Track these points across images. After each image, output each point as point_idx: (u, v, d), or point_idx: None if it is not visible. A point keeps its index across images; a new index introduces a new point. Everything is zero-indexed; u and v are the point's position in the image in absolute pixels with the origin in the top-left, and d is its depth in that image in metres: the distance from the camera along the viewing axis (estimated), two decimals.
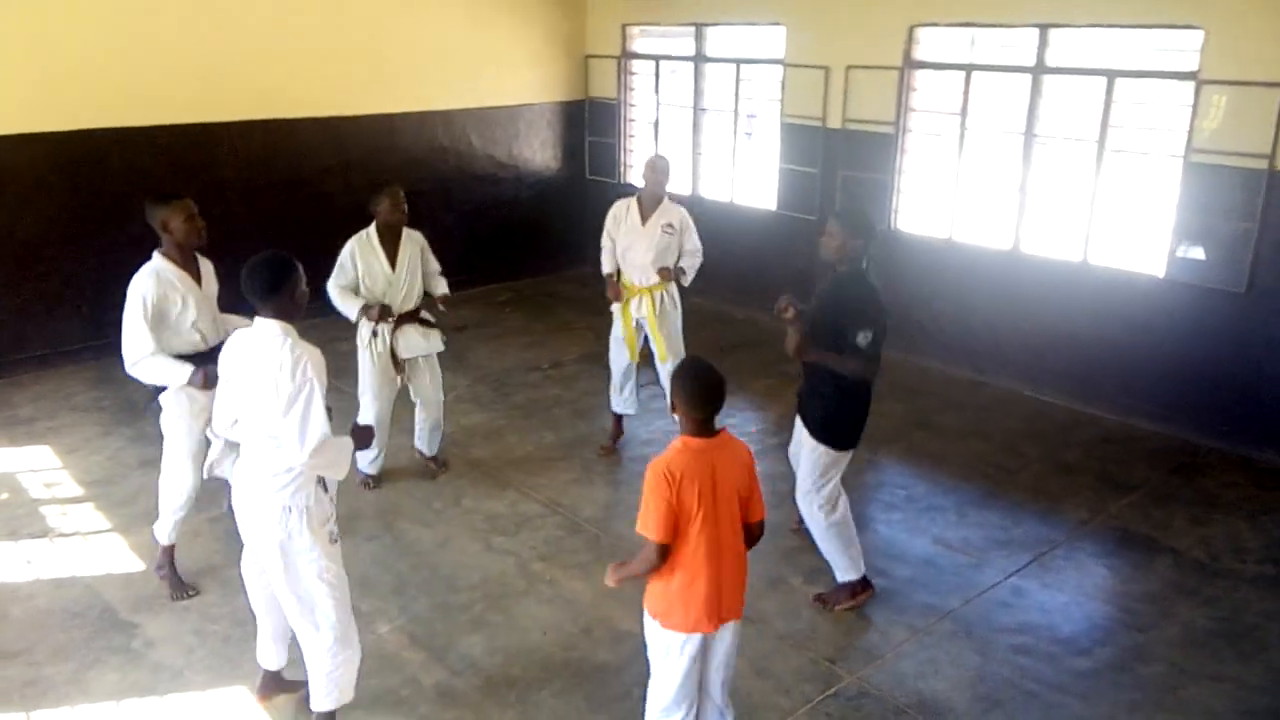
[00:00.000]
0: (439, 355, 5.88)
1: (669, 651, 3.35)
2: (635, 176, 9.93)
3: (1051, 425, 6.81)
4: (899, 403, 6.95)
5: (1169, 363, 6.59)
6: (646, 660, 3.53)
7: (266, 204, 8.35)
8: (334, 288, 5.46)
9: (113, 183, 7.55)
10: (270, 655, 3.94)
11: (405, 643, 4.44)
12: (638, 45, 9.90)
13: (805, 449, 4.63)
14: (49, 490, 5.75)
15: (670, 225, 5.88)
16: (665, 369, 6.00)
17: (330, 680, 3.67)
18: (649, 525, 3.17)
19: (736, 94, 8.94)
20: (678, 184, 9.00)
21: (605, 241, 6.10)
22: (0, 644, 4.38)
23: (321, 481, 3.52)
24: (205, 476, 4.20)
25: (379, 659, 4.31)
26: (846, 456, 4.64)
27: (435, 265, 5.78)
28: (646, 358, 6.31)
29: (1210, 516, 5.60)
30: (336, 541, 3.60)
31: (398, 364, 5.63)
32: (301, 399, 3.28)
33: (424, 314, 5.71)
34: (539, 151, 10.20)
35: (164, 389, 4.47)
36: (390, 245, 5.52)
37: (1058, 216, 7.13)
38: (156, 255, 4.43)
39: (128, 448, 6.22)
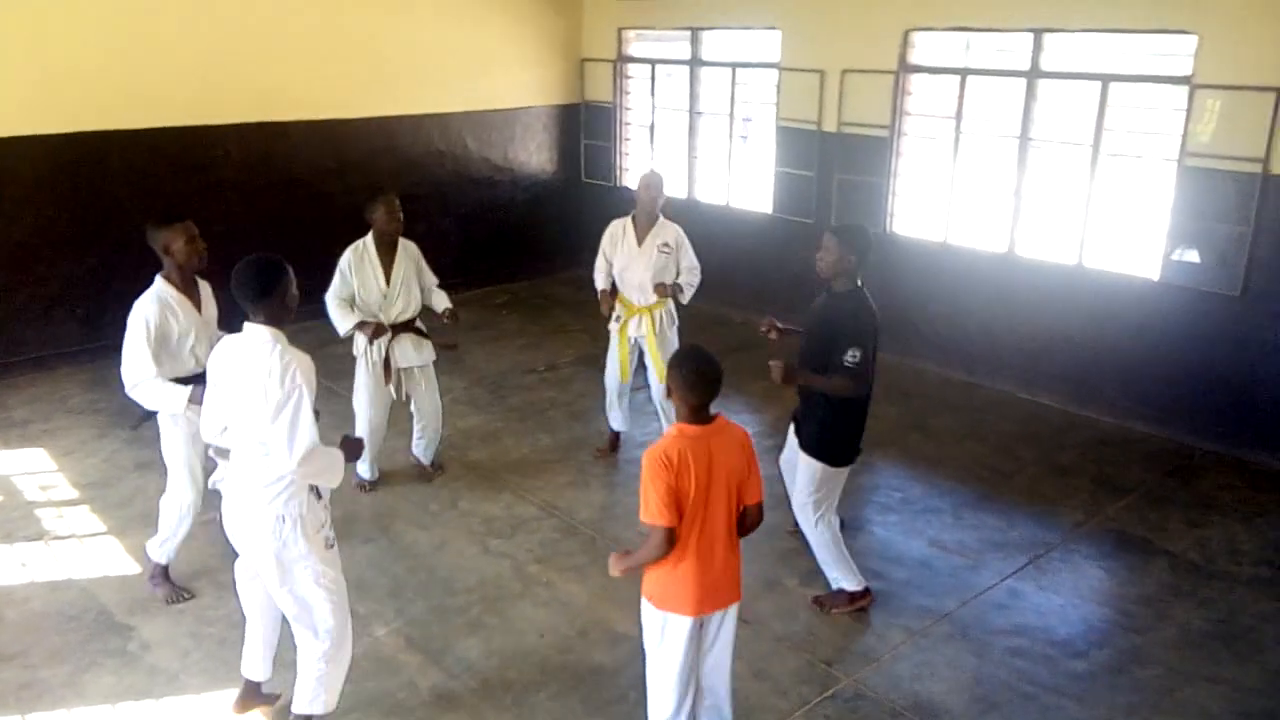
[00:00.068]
0: (435, 364, 5.87)
1: (663, 634, 3.36)
2: (631, 180, 9.94)
3: (1047, 428, 6.82)
4: (894, 405, 6.96)
5: (1164, 365, 6.61)
6: (643, 659, 3.53)
7: (265, 205, 8.34)
8: (333, 299, 5.45)
9: (111, 185, 7.55)
10: (255, 666, 3.90)
11: (402, 645, 4.44)
12: (633, 49, 9.92)
13: (801, 464, 4.63)
14: (44, 493, 5.74)
15: (666, 245, 5.86)
16: (661, 390, 5.97)
17: (319, 685, 3.65)
18: (653, 511, 3.18)
19: (732, 97, 8.96)
20: (674, 188, 9.01)
21: (600, 261, 6.07)
22: None
23: (315, 488, 3.50)
24: (210, 486, 4.19)
25: (376, 662, 4.31)
26: (844, 473, 4.64)
27: (432, 279, 5.74)
28: (643, 372, 6.30)
29: (1206, 519, 5.61)
30: (333, 547, 3.58)
31: (389, 373, 5.62)
32: (290, 406, 3.26)
33: (418, 324, 5.71)
34: (535, 155, 10.21)
35: (151, 417, 4.46)
36: (386, 256, 5.51)
37: (1053, 220, 7.15)
38: (158, 280, 4.40)
39: (123, 450, 6.21)
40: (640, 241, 5.89)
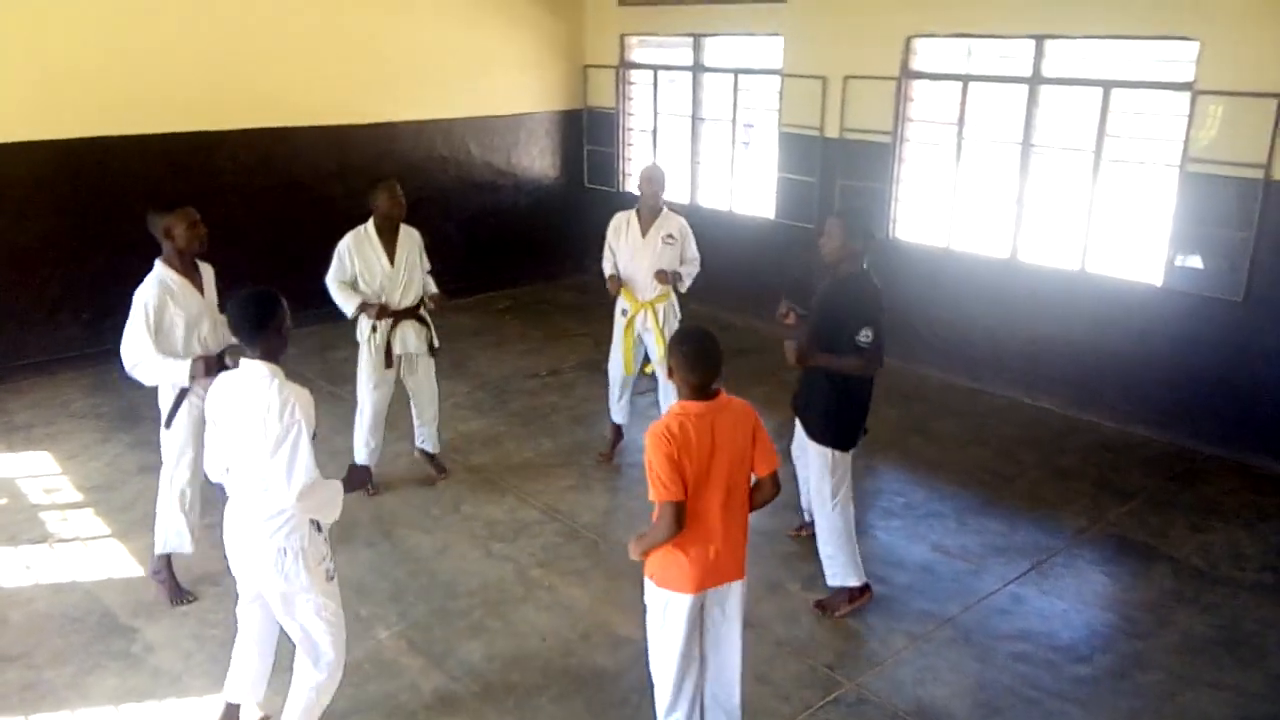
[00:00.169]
0: (435, 355, 5.89)
1: (664, 612, 3.36)
2: (633, 185, 9.94)
3: (1049, 433, 6.82)
4: (897, 410, 6.97)
5: (1167, 370, 6.61)
6: (646, 661, 3.53)
7: (267, 210, 8.37)
8: (333, 282, 5.48)
9: (113, 190, 7.57)
10: (240, 690, 3.87)
11: (404, 649, 4.44)
12: (636, 55, 9.94)
13: (812, 453, 4.66)
14: (48, 496, 5.75)
15: (671, 236, 5.90)
16: (669, 388, 5.98)
17: (306, 709, 3.64)
18: (660, 488, 3.18)
19: (734, 103, 8.98)
20: (676, 193, 9.04)
21: (607, 252, 6.13)
22: (0, 648, 4.38)
23: (315, 520, 3.50)
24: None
25: (378, 664, 4.32)
26: (849, 457, 4.69)
27: (426, 265, 5.79)
28: (649, 379, 6.31)
29: (1209, 524, 5.61)
30: (334, 579, 3.58)
31: (389, 359, 5.63)
32: (289, 441, 3.26)
33: (423, 312, 5.72)
34: (538, 160, 10.23)
35: (178, 407, 4.48)
36: (388, 241, 5.53)
37: (1055, 225, 7.16)
38: (159, 263, 4.44)
39: (126, 454, 6.22)
40: (644, 233, 5.93)
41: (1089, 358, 6.97)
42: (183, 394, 4.47)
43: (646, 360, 6.14)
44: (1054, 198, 7.14)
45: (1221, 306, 6.30)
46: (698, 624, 3.42)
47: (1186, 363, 6.52)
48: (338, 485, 3.50)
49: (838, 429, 4.59)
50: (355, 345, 5.71)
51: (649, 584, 3.40)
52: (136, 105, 7.58)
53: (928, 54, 7.60)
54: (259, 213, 8.31)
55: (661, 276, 5.84)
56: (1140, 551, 5.34)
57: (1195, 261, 6.39)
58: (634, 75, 9.96)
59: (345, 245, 5.47)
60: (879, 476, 6.13)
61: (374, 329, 5.56)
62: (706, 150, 9.46)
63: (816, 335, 4.52)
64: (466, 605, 4.77)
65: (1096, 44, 6.72)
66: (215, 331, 4.53)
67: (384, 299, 5.52)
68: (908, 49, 7.59)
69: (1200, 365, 6.46)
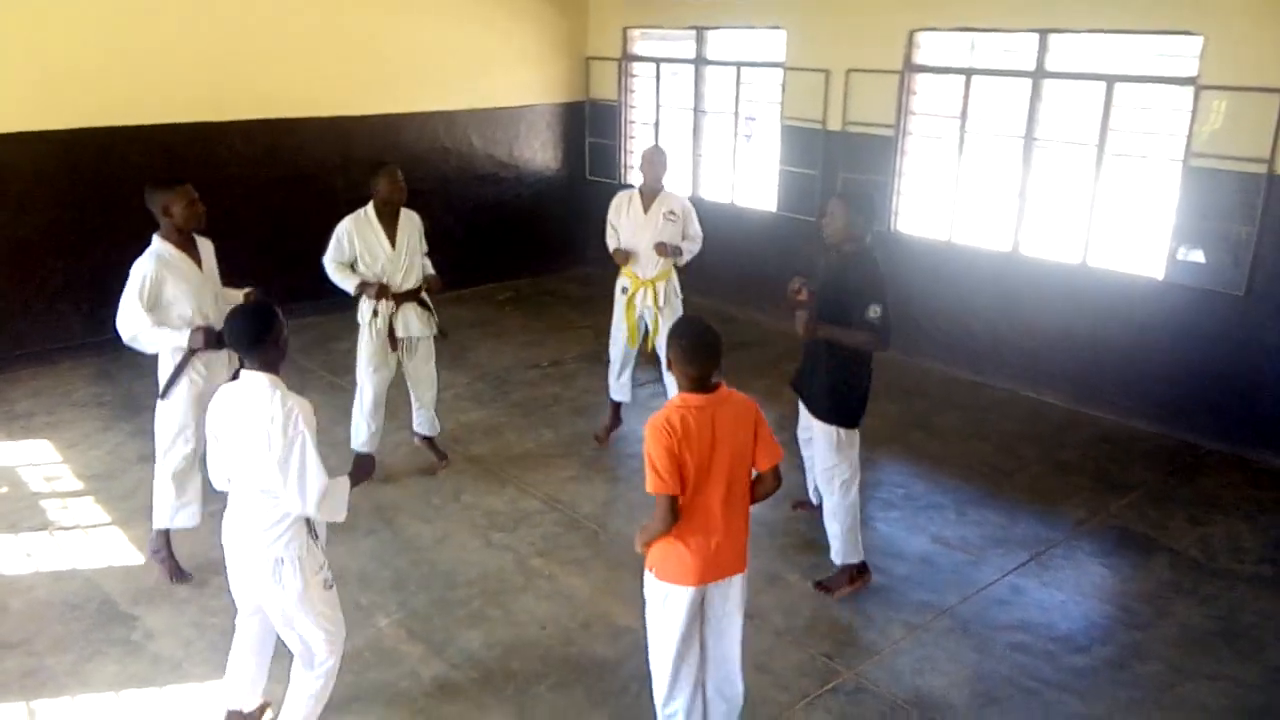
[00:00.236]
0: (436, 345, 5.90)
1: (664, 605, 3.37)
2: (635, 178, 9.94)
3: (1050, 426, 6.82)
4: (897, 403, 6.97)
5: (1168, 364, 6.61)
6: (645, 649, 3.53)
7: (269, 202, 8.37)
8: (331, 264, 5.49)
9: (114, 181, 7.56)
10: (239, 697, 3.87)
11: (404, 636, 4.45)
12: (638, 48, 9.93)
13: (818, 433, 4.70)
14: (49, 484, 5.76)
15: (672, 213, 5.94)
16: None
17: (302, 714, 3.64)
18: (657, 480, 3.19)
19: (737, 96, 8.97)
20: (678, 186, 9.03)
21: (609, 229, 6.19)
22: (0, 635, 4.38)
23: (312, 530, 3.50)
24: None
25: (378, 653, 4.33)
26: (856, 433, 4.72)
27: (424, 247, 5.79)
28: (649, 356, 6.33)
29: (1208, 517, 5.61)
30: (332, 588, 3.58)
31: (394, 342, 5.64)
32: (296, 454, 3.27)
33: (424, 296, 5.73)
34: (540, 152, 10.23)
35: (177, 378, 4.49)
36: (389, 224, 5.54)
37: (1057, 219, 7.15)
38: (156, 238, 4.48)
39: (127, 443, 6.23)
40: (646, 210, 5.95)
41: (1090, 351, 6.97)
42: (182, 365, 4.48)
43: (647, 334, 6.16)
44: (1056, 192, 7.13)
45: (1223, 301, 6.30)
46: (697, 616, 3.42)
47: (1187, 357, 6.52)
48: (345, 481, 3.50)
49: (842, 406, 4.63)
50: (357, 333, 5.71)
51: (649, 576, 3.40)
52: (138, 96, 7.58)
53: (930, 47, 7.59)
54: (261, 205, 8.30)
55: (661, 249, 5.87)
56: (1139, 544, 5.34)
57: (1197, 256, 6.39)
58: (636, 68, 9.95)
59: (345, 228, 5.48)
60: (879, 469, 6.14)
61: (375, 313, 5.57)
62: (708, 143, 9.45)
63: (821, 310, 4.54)
64: (466, 594, 4.78)
65: (1100, 38, 6.70)
66: (217, 304, 4.54)
67: (385, 281, 5.53)
68: (910, 42, 7.58)
69: (1201, 359, 6.46)
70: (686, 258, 6.04)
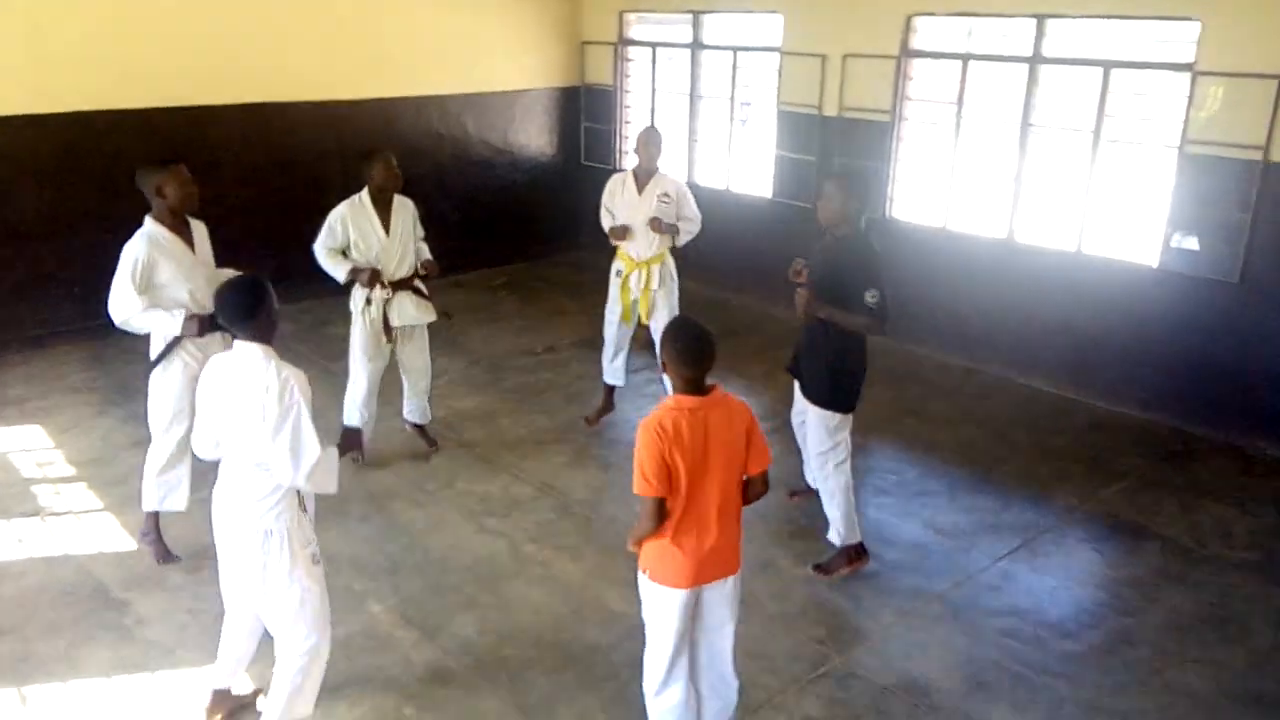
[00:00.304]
0: (430, 331, 5.89)
1: (659, 606, 3.38)
2: (631, 162, 9.90)
3: (1043, 412, 6.84)
4: (891, 389, 6.97)
5: (1161, 351, 6.62)
6: (642, 637, 3.54)
7: (262, 186, 8.33)
8: (321, 249, 5.46)
9: (107, 164, 7.52)
10: (226, 676, 3.88)
11: (397, 622, 4.46)
12: (634, 32, 9.88)
13: (811, 416, 4.72)
14: (41, 470, 5.76)
15: (667, 195, 5.93)
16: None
17: (290, 694, 3.62)
18: (643, 483, 3.19)
19: (733, 81, 8.93)
20: (674, 171, 8.99)
21: (603, 211, 6.18)
22: None
23: (302, 504, 3.50)
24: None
25: (371, 638, 4.34)
26: (849, 418, 4.74)
27: (420, 230, 5.78)
28: (643, 342, 6.33)
29: (1198, 504, 5.64)
30: (319, 563, 3.57)
31: (389, 331, 5.63)
32: (290, 422, 3.26)
33: (418, 284, 5.72)
34: (534, 137, 10.19)
35: (160, 360, 4.49)
36: (383, 211, 5.52)
37: (1053, 206, 7.15)
38: (148, 220, 4.45)
39: (120, 428, 6.22)
40: (640, 191, 5.95)
41: (1084, 338, 6.98)
42: (172, 345, 4.48)
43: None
44: (1052, 178, 7.12)
45: (1217, 288, 6.30)
46: (690, 615, 3.43)
47: (1181, 344, 6.52)
48: (334, 452, 3.50)
49: (838, 390, 4.65)
50: (350, 321, 5.70)
51: (643, 578, 3.41)
52: (129, 79, 7.54)
53: (928, 32, 7.56)
54: (254, 189, 8.27)
55: (655, 224, 5.84)
56: (1130, 530, 5.36)
57: (1191, 243, 6.39)
58: (632, 52, 9.90)
59: (339, 214, 5.45)
60: (872, 454, 6.15)
61: (369, 301, 5.55)
62: (704, 128, 9.42)
63: (818, 296, 4.54)
64: (459, 580, 4.79)
65: (1097, 24, 6.68)
66: (209, 286, 4.50)
67: (379, 268, 5.51)
68: (908, 27, 7.54)
69: (1194, 347, 6.47)
70: (685, 238, 6.03)
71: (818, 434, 4.73)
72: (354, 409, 5.73)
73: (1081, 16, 6.67)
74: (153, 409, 4.64)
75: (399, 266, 5.58)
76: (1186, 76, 6.24)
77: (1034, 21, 6.85)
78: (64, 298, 7.58)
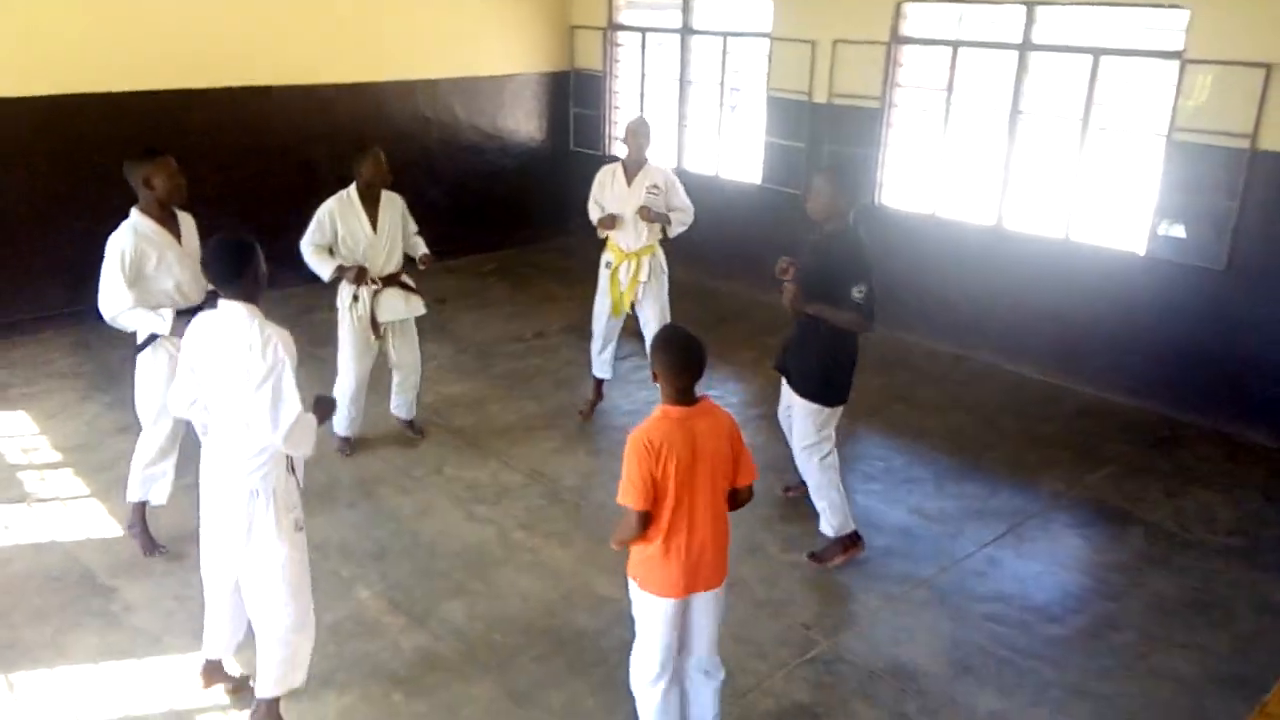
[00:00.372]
0: (418, 321, 5.87)
1: (648, 614, 3.39)
2: (620, 149, 9.89)
3: (1031, 399, 6.87)
4: (880, 376, 6.99)
5: (1148, 338, 6.65)
6: (631, 624, 3.55)
7: (250, 171, 8.27)
8: (308, 246, 5.42)
9: (91, 148, 7.46)
10: (216, 644, 3.88)
11: (386, 608, 4.46)
12: (624, 16, 9.84)
13: (798, 410, 4.71)
14: (26, 455, 5.72)
15: (655, 186, 5.90)
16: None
17: (279, 666, 3.60)
18: (629, 495, 3.19)
19: (723, 67, 8.90)
20: (663, 157, 8.98)
21: (592, 205, 6.13)
22: None
23: (290, 466, 3.48)
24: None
25: (359, 624, 4.34)
26: (838, 411, 4.75)
27: (413, 226, 5.75)
28: (632, 331, 6.32)
29: (1184, 490, 5.68)
30: (302, 529, 3.55)
31: (376, 328, 5.61)
32: (273, 379, 3.25)
33: (405, 278, 5.69)
34: (523, 122, 10.14)
35: (147, 345, 4.47)
36: (371, 207, 5.49)
37: (1041, 193, 7.16)
38: (134, 212, 4.40)
39: (105, 414, 6.19)
40: (629, 183, 5.92)
41: (1071, 326, 7.01)
42: (153, 337, 4.45)
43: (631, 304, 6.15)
44: (1041, 165, 7.13)
45: (1203, 275, 6.33)
46: (679, 624, 3.43)
47: (1167, 331, 6.55)
48: (312, 418, 3.47)
49: (829, 385, 4.65)
50: (335, 307, 5.68)
51: (632, 585, 3.41)
52: (114, 63, 7.46)
53: (918, 19, 7.54)
54: (239, 175, 8.20)
55: (645, 213, 5.81)
56: (1115, 516, 5.40)
57: (1178, 230, 6.41)
58: (621, 37, 9.86)
59: (327, 210, 5.42)
60: (860, 441, 6.17)
61: (355, 298, 5.53)
62: (694, 114, 9.39)
63: (807, 288, 4.54)
64: (448, 566, 4.79)
65: (1087, 11, 6.68)
66: (196, 281, 4.48)
67: (366, 265, 5.48)
68: (898, 13, 7.53)
69: (1181, 334, 6.50)
70: (678, 229, 5.99)
71: (804, 427, 4.73)
72: (343, 407, 5.73)
73: (1071, 3, 6.67)
74: (140, 400, 4.61)
75: (386, 263, 5.55)
76: (1175, 64, 6.25)
77: (1024, 8, 6.84)
78: (49, 282, 7.52)
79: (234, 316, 3.32)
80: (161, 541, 4.81)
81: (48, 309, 7.52)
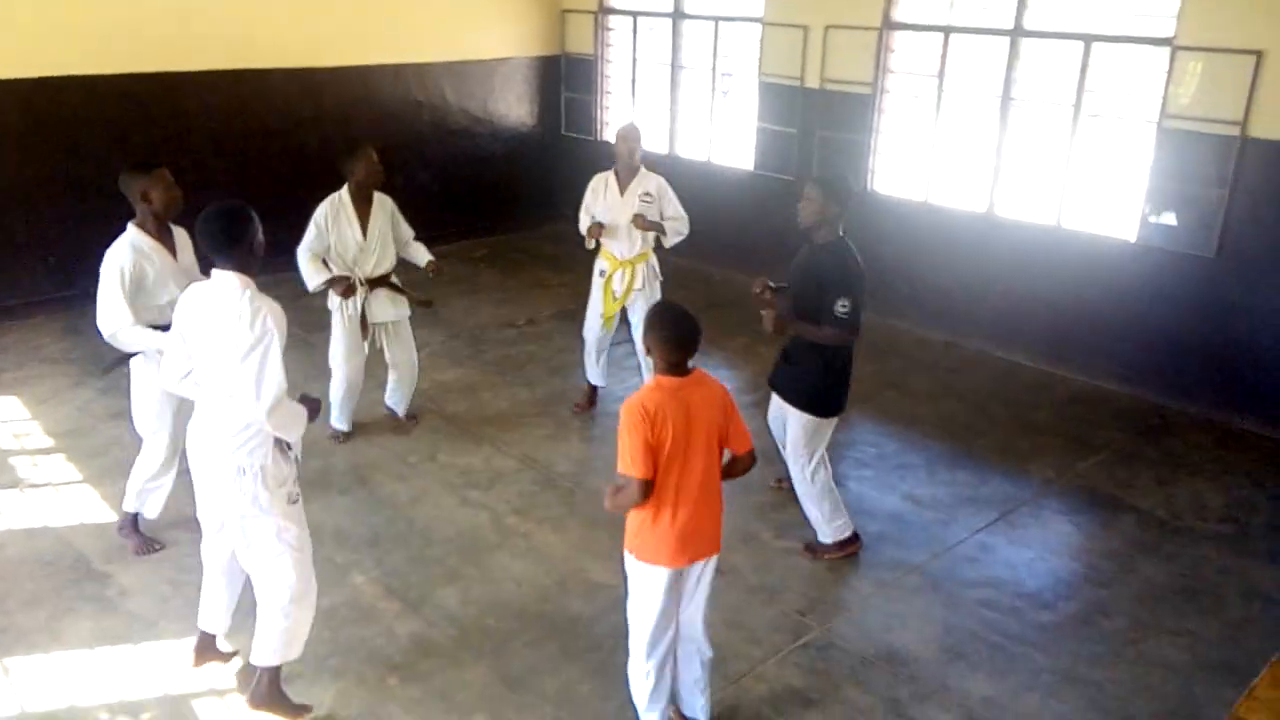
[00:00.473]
0: (410, 318, 5.85)
1: (644, 584, 3.41)
2: (611, 134, 9.83)
3: (1022, 386, 6.90)
4: (872, 363, 7.00)
5: (1139, 326, 6.69)
6: (624, 610, 3.57)
7: (239, 155, 8.22)
8: (304, 253, 5.37)
9: (81, 132, 7.41)
10: (212, 618, 3.89)
11: (380, 594, 4.47)
12: (615, 0, 9.78)
13: (792, 419, 4.68)
14: (18, 441, 5.70)
15: (648, 194, 5.83)
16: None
17: (279, 636, 3.60)
18: (630, 464, 3.20)
19: (715, 52, 8.88)
20: (654, 144, 8.96)
21: (583, 213, 6.04)
22: None
23: (282, 442, 3.46)
24: None
25: (354, 609, 4.34)
26: (832, 422, 4.71)
27: (408, 231, 5.72)
28: (622, 318, 6.31)
29: (1174, 477, 5.72)
30: (296, 502, 3.52)
31: (365, 328, 5.60)
32: (259, 350, 3.22)
33: (394, 280, 5.67)
34: (514, 107, 10.10)
35: (133, 355, 4.42)
36: (362, 209, 5.46)
37: (1033, 180, 7.17)
38: (131, 227, 4.33)
39: (98, 399, 6.16)
40: (622, 191, 5.88)
41: (1062, 313, 7.03)
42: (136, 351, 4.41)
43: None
44: (1032, 152, 7.14)
45: (1194, 263, 6.36)
46: (677, 594, 3.46)
47: (1158, 318, 6.59)
48: (302, 407, 3.47)
49: (821, 397, 4.61)
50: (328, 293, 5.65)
51: (629, 557, 3.44)
52: (102, 45, 7.38)
53: (909, 4, 7.53)
54: (228, 159, 8.15)
55: (639, 221, 5.77)
56: (1106, 502, 5.44)
57: (1169, 218, 6.43)
58: (613, 21, 9.81)
59: (322, 214, 5.38)
60: (853, 428, 6.19)
61: (344, 300, 5.50)
62: (685, 99, 9.36)
63: (795, 303, 4.53)
64: (442, 552, 4.80)
65: None
66: None
67: (356, 270, 5.45)
68: None
69: (1172, 321, 6.53)
70: (674, 239, 5.89)
71: (795, 434, 4.68)
72: (336, 405, 5.74)
73: None
74: (137, 413, 4.55)
75: (376, 266, 5.53)
76: (1166, 51, 6.26)
77: None
78: (38, 267, 7.48)
79: (226, 286, 3.30)
80: (154, 535, 4.78)
81: (36, 294, 7.48)
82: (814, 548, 4.85)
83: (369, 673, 3.98)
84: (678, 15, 9.13)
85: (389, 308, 5.66)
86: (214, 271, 3.34)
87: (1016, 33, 6.90)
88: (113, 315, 4.23)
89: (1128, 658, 4.20)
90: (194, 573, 4.46)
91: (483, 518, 5.11)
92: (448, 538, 4.92)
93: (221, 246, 3.29)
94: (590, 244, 6.00)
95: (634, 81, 9.70)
